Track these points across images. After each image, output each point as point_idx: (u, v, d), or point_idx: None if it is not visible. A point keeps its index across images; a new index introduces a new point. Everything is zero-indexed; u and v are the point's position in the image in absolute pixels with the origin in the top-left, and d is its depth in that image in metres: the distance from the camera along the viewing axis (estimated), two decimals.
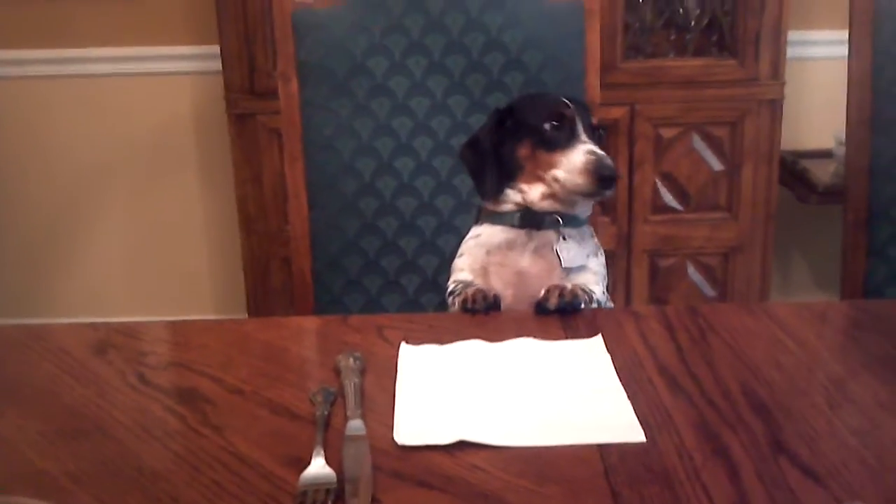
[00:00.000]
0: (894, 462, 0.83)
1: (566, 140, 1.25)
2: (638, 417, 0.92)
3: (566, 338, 1.12)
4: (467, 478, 0.81)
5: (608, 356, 1.06)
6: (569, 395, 0.97)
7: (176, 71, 2.85)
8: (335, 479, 0.79)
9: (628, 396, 0.96)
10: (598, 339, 1.10)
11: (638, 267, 2.65)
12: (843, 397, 0.97)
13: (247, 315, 2.70)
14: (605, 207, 2.59)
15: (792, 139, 2.80)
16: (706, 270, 2.67)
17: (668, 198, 2.62)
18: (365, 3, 1.53)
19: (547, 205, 1.27)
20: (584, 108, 1.29)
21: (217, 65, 2.55)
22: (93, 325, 1.17)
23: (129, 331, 1.16)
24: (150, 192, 2.98)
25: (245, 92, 2.52)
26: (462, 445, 0.86)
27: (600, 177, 1.21)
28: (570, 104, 1.27)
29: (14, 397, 0.98)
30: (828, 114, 2.68)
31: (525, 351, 1.08)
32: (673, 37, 2.69)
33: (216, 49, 2.53)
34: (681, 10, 2.67)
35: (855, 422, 0.91)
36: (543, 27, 1.56)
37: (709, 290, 2.68)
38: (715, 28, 2.65)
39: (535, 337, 1.10)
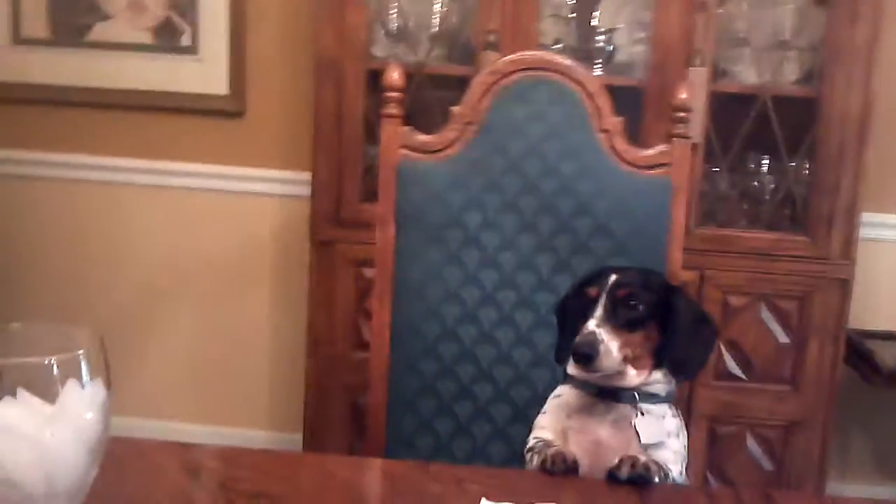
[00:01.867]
0: None
1: (586, 317, 1.29)
2: None
3: None
4: None
5: None
6: None
7: (266, 192, 3.00)
8: None
9: None
10: None
11: (697, 432, 2.64)
12: None
13: (301, 435, 2.73)
14: None
15: (859, 319, 2.81)
16: (765, 443, 2.65)
17: (732, 365, 2.63)
18: (466, 161, 1.63)
19: (595, 378, 1.30)
20: (624, 281, 1.30)
21: (306, 190, 2.68)
22: (185, 446, 1.22)
23: (221, 455, 1.20)
24: (224, 305, 3.08)
25: (329, 220, 2.63)
26: None
27: (575, 353, 1.25)
28: (605, 281, 1.30)
29: None
30: None
31: None
32: (746, 207, 2.76)
33: (307, 175, 2.67)
34: (756, 183, 2.75)
35: None
36: (632, 198, 1.63)
37: (766, 464, 2.65)
38: (789, 202, 2.71)
39: None
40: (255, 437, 3.09)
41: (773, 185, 2.73)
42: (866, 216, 2.65)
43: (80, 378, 0.85)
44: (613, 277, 1.31)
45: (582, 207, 1.63)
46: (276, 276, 3.05)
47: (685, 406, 2.61)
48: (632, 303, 1.30)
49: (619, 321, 1.28)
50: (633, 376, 1.30)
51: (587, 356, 1.25)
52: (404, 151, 1.63)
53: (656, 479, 1.23)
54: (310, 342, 2.67)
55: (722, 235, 2.65)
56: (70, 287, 3.10)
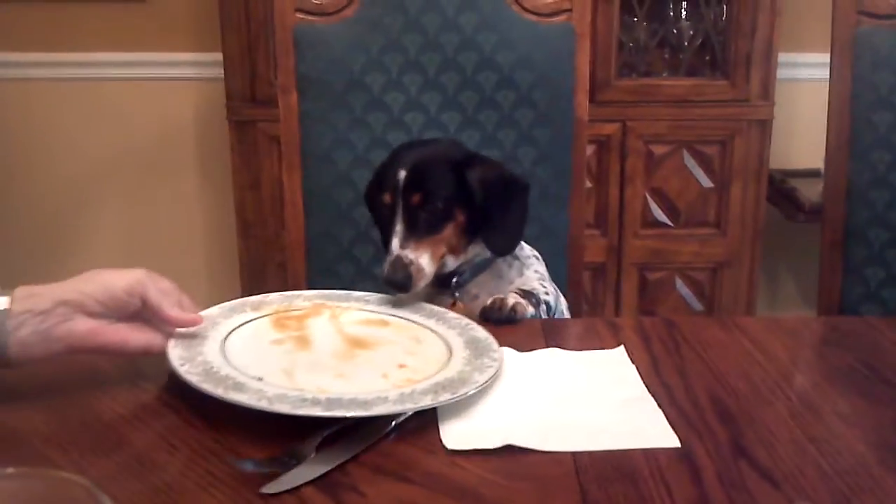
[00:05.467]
0: (847, 467, 0.89)
1: (390, 228, 1.25)
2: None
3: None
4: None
5: (633, 366, 1.10)
6: (597, 403, 1.01)
7: (178, 77, 2.92)
8: None
9: None
10: (620, 350, 1.15)
11: (627, 280, 2.71)
12: (805, 407, 1.02)
13: None
14: (597, 220, 2.65)
15: (781, 158, 2.86)
16: (694, 285, 2.73)
17: (658, 213, 2.68)
18: (365, 22, 1.59)
19: None
20: (415, 180, 1.23)
21: (219, 72, 2.61)
22: None
23: None
24: (150, 196, 3.04)
25: (246, 99, 2.58)
26: (508, 449, 0.90)
27: (388, 284, 1.22)
28: (396, 182, 1.23)
29: (16, 389, 1.03)
30: (816, 134, 2.72)
31: (554, 360, 1.12)
32: (666, 56, 2.76)
33: (218, 56, 2.59)
34: (674, 31, 2.74)
35: (814, 430, 0.97)
36: (535, 48, 1.62)
37: (696, 304, 2.73)
38: (707, 48, 2.71)
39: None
40: None
41: (691, 32, 2.72)
42: (783, 56, 2.65)
43: None
44: (402, 175, 1.23)
45: (485, 61, 1.61)
46: (200, 162, 3.01)
47: (615, 256, 2.67)
48: (428, 207, 1.24)
49: (422, 230, 1.23)
50: (451, 263, 1.30)
51: (402, 285, 1.21)
52: (300, 15, 1.59)
53: (529, 313, 1.25)
54: (240, 224, 2.66)
55: (642, 85, 2.66)
56: None
